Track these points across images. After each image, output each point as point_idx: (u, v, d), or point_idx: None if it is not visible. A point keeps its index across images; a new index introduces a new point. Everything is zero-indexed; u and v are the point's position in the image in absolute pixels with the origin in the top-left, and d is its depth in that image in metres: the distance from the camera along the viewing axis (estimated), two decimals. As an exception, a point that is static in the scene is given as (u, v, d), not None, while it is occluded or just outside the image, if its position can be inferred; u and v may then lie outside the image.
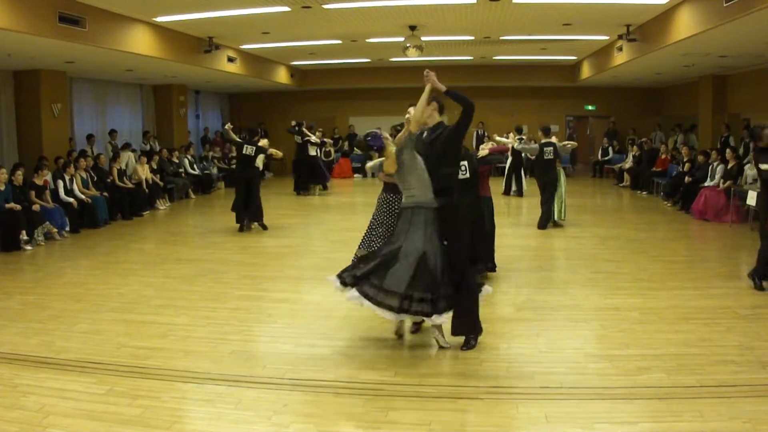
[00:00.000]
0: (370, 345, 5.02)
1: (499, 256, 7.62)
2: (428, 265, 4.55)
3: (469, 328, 4.78)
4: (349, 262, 7.90)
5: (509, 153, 13.61)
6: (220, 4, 9.40)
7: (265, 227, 10.20)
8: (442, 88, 4.67)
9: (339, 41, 13.34)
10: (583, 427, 3.58)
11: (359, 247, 5.94)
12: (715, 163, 11.28)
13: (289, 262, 8.04)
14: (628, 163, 16.18)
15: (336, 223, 11.26)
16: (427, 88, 4.70)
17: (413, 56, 12.08)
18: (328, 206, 13.65)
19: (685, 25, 9.04)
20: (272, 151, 10.73)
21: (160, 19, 10.27)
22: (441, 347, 4.78)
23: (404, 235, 4.65)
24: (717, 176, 11.00)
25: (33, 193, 9.55)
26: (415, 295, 4.52)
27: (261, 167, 11.27)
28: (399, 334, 5.06)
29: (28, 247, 8.93)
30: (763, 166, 6.19)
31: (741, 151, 12.10)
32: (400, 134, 4.97)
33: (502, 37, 12.96)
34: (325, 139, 16.63)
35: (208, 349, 4.90)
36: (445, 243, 4.71)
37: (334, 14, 10.19)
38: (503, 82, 18.86)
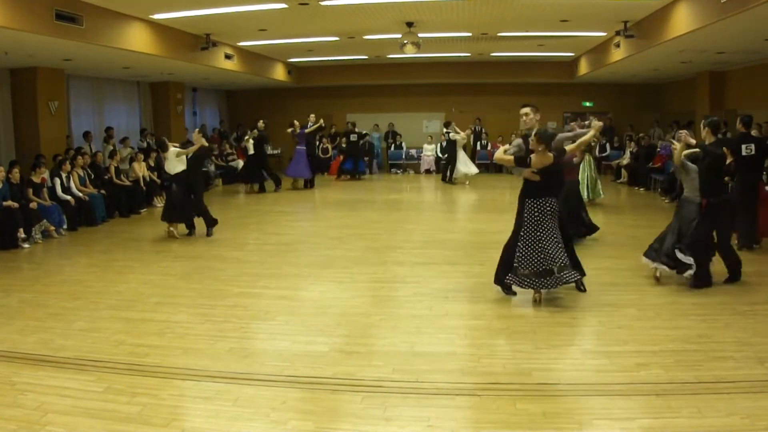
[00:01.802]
0: (367, 342, 5.03)
1: (497, 254, 7.62)
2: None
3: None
4: (346, 260, 7.94)
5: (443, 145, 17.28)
6: (217, 1, 9.38)
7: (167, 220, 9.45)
8: (692, 142, 6.36)
9: (336, 38, 13.32)
10: (581, 424, 3.59)
11: (518, 263, 5.83)
12: (712, 160, 11.28)
13: (287, 259, 8.03)
14: (626, 160, 16.18)
15: (334, 220, 11.25)
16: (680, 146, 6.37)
17: (410, 53, 12.05)
18: (326, 203, 13.65)
19: (683, 21, 9.04)
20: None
21: (157, 16, 10.24)
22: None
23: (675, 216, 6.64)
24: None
25: (30, 190, 9.53)
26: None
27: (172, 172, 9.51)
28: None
29: (26, 245, 8.92)
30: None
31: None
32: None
33: (499, 34, 12.94)
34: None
35: (206, 347, 4.90)
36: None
37: (331, 11, 10.17)
38: (500, 79, 18.85)
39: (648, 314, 5.52)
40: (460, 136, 16.33)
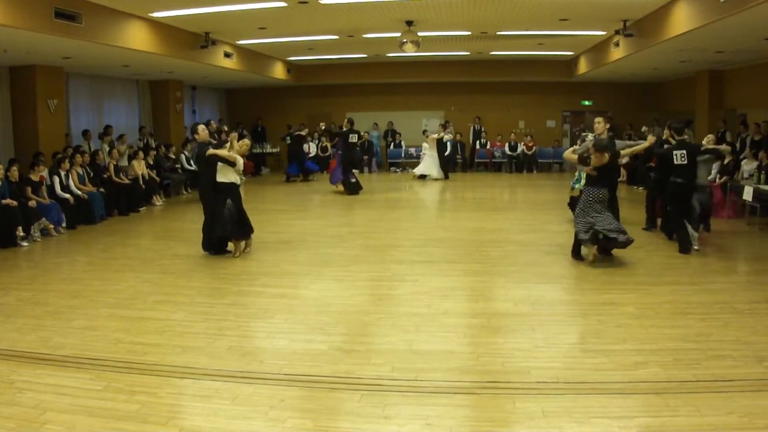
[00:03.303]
0: (366, 340, 5.03)
1: (495, 253, 7.67)
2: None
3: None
4: (345, 258, 7.94)
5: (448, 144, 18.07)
6: (216, 0, 9.38)
7: (211, 252, 8.04)
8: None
9: (336, 36, 13.32)
10: (580, 422, 3.59)
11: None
12: (711, 159, 11.27)
13: (286, 258, 8.02)
14: (625, 159, 16.11)
15: (334, 219, 11.25)
16: None
17: (410, 51, 12.05)
18: (325, 201, 13.64)
19: (682, 20, 9.05)
20: (225, 154, 7.76)
21: (156, 14, 10.24)
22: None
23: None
24: (713, 172, 10.99)
25: (29, 189, 9.52)
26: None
27: (236, 179, 8.01)
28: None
29: (25, 243, 8.92)
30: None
31: (738, 146, 12.11)
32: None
33: (498, 33, 12.94)
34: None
35: (205, 345, 4.90)
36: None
37: (331, 9, 10.17)
38: (500, 78, 18.86)
39: (646, 313, 5.52)
40: (429, 138, 17.20)
